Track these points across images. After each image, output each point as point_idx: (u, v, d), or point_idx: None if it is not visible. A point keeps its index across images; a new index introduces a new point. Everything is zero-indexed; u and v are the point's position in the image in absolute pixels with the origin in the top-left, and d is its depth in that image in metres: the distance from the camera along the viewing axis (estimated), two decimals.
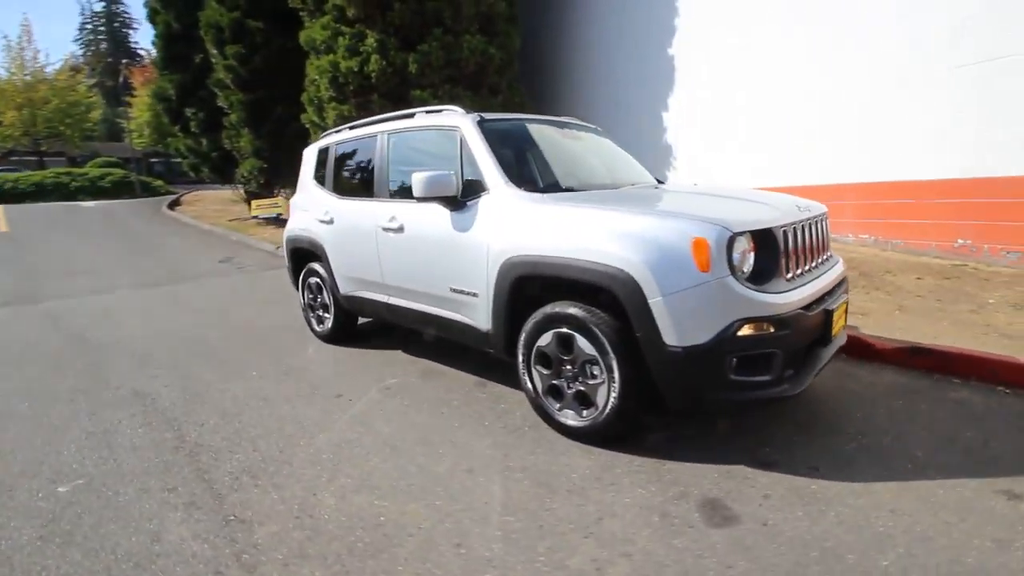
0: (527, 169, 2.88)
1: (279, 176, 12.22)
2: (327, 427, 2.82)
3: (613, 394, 2.30)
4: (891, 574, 1.64)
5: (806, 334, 2.23)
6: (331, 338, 4.24)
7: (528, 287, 2.58)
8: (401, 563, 1.78)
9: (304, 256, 4.37)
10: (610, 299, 2.28)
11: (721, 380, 2.11)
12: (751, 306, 2.07)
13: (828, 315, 2.32)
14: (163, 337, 4.73)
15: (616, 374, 2.27)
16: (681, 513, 1.96)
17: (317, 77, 8.83)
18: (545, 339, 2.52)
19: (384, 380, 3.44)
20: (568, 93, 10.11)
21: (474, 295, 2.83)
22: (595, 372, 2.39)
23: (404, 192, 3.33)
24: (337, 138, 4.07)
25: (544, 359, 2.58)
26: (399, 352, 4.00)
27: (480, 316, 2.84)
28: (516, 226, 2.57)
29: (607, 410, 2.33)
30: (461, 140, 2.94)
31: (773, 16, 6.37)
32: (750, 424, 2.57)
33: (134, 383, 3.62)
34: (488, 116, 3.06)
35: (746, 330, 2.06)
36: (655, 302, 2.09)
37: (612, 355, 2.27)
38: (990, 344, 3.27)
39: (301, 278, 4.41)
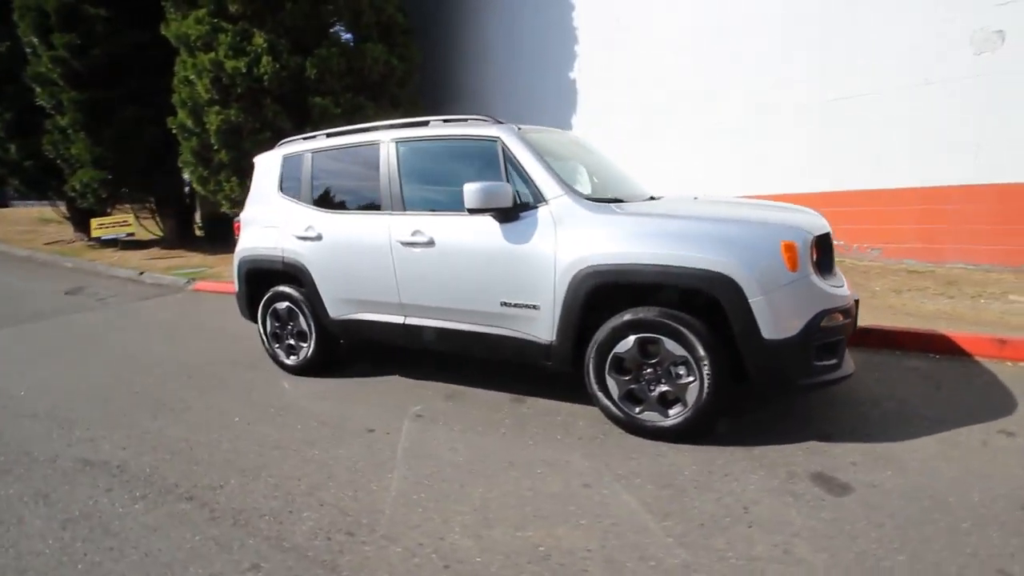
0: (572, 179, 2.90)
1: (127, 189, 10.36)
2: (387, 466, 2.52)
3: (705, 390, 2.43)
4: (986, 505, 2.00)
5: (855, 321, 2.60)
6: (307, 370, 3.76)
7: (602, 296, 2.61)
8: None
9: (267, 279, 3.82)
10: (701, 300, 2.42)
11: (807, 366, 2.38)
12: (829, 299, 2.38)
13: (857, 304, 2.73)
14: (64, 389, 3.76)
15: (707, 371, 2.41)
16: (806, 490, 2.16)
17: (194, 77, 7.73)
18: (624, 345, 2.57)
19: (408, 408, 3.16)
20: (468, 109, 10.19)
21: (534, 307, 2.77)
22: (681, 372, 2.50)
23: (429, 204, 3.13)
24: (311, 146, 3.64)
25: (619, 365, 2.62)
26: (396, 377, 3.69)
27: (541, 329, 2.78)
28: (593, 236, 2.59)
29: (700, 406, 2.45)
30: (504, 151, 2.86)
31: (668, 48, 7.21)
32: (784, 405, 2.90)
33: (74, 451, 2.83)
34: (522, 126, 3.02)
35: (826, 320, 2.36)
36: (755, 301, 2.28)
37: (704, 354, 2.40)
38: (901, 321, 4.09)
39: (263, 305, 3.83)
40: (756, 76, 6.47)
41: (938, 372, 3.32)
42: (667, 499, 2.14)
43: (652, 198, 3.30)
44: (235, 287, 4.01)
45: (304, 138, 3.78)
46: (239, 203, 8.98)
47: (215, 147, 8.12)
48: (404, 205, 3.17)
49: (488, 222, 2.82)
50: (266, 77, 7.72)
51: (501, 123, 3.00)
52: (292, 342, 3.78)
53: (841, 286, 2.51)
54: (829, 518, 1.98)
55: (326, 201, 3.53)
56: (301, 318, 3.68)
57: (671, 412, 2.55)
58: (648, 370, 2.57)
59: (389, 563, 1.86)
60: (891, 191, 5.61)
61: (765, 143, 6.49)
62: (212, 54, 7.53)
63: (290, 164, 3.71)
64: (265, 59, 7.67)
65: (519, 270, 2.77)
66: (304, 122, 8.28)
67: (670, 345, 2.47)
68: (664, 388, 2.54)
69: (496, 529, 2.01)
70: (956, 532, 1.87)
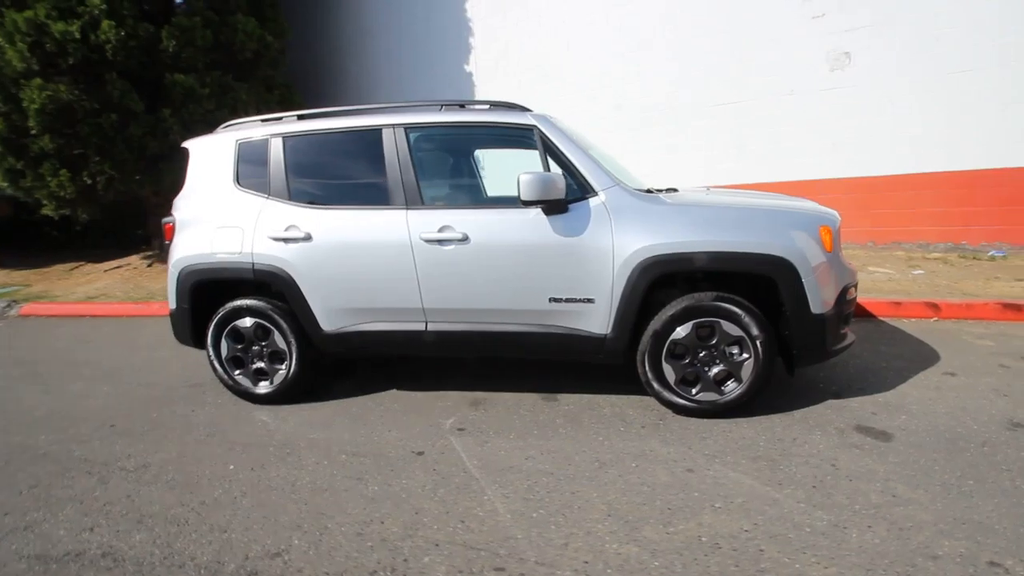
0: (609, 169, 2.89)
1: None
2: (473, 488, 2.27)
3: (761, 365, 2.64)
4: (986, 430, 2.50)
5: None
6: (284, 396, 3.19)
7: (659, 284, 2.67)
8: (781, 565, 1.76)
9: (224, 292, 3.13)
10: (753, 282, 2.62)
11: (837, 335, 2.72)
12: (849, 274, 2.75)
13: None
14: None
15: (761, 348, 2.63)
16: (862, 441, 2.48)
17: (2, 41, 5.93)
18: (682, 331, 2.67)
19: (439, 423, 2.88)
20: (348, 95, 9.46)
21: (588, 301, 2.72)
22: (734, 351, 2.68)
23: (455, 196, 2.87)
24: (278, 130, 3.06)
25: (673, 351, 2.71)
26: (395, 392, 3.34)
27: (594, 322, 2.74)
28: (652, 225, 2.62)
29: (755, 380, 2.66)
30: (543, 140, 2.74)
31: (572, 52, 7.54)
32: (783, 373, 3.27)
33: (10, 546, 2.05)
34: (548, 115, 2.92)
35: (848, 294, 2.72)
36: (807, 280, 2.54)
37: (758, 332, 2.61)
38: None
39: (215, 324, 3.14)
40: (650, 79, 7.10)
41: (866, 333, 4.04)
42: (767, 470, 2.29)
43: (658, 190, 3.44)
44: (171, 304, 3.21)
45: (263, 120, 3.17)
46: (70, 203, 7.20)
47: (34, 131, 6.36)
48: (422, 199, 2.85)
49: (535, 215, 2.69)
50: (109, 46, 6.27)
51: (530, 110, 2.87)
52: (262, 365, 3.17)
53: (849, 264, 2.91)
54: (898, 461, 2.31)
55: (312, 195, 3.01)
56: (276, 335, 3.10)
57: (725, 389, 2.72)
58: (703, 353, 2.70)
59: None
60: (768, 184, 6.60)
61: (651, 141, 7.18)
62: (29, 12, 5.87)
63: (250, 151, 3.08)
64: (106, 23, 6.22)
65: (573, 264, 2.69)
66: (160, 102, 6.93)
67: (727, 327, 2.63)
68: (718, 368, 2.70)
69: (645, 530, 1.96)
70: (983, 454, 2.32)
